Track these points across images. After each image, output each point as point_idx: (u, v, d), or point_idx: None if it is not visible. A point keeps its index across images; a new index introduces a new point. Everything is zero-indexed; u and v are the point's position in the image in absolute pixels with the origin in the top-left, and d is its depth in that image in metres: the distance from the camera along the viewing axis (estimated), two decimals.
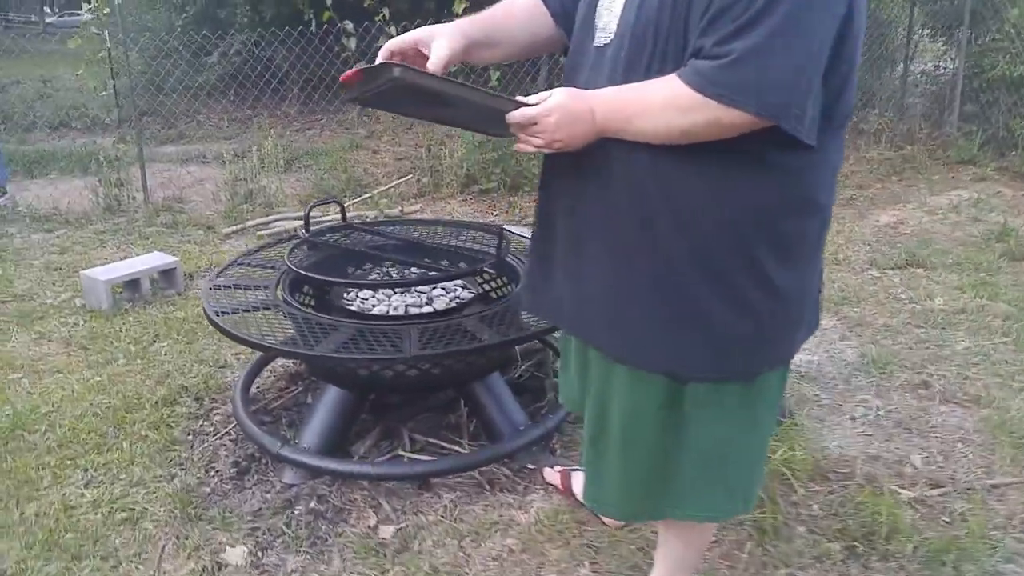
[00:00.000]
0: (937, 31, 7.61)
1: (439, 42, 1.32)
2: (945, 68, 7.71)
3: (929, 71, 7.93)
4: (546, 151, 1.28)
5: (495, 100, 1.24)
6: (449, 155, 5.49)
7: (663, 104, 1.17)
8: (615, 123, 1.22)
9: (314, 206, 2.52)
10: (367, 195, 5.18)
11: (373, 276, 2.49)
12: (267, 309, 2.16)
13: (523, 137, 1.25)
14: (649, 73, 1.20)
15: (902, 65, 7.49)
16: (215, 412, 2.61)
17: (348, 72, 1.22)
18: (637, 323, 1.30)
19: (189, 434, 2.48)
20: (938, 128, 6.88)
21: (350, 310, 2.30)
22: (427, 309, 2.29)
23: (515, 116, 1.22)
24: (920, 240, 4.40)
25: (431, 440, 2.33)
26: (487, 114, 1.26)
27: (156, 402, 2.65)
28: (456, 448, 2.28)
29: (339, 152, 6.32)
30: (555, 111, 1.20)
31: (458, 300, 2.36)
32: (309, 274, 2.21)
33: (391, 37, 1.39)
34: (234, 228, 4.66)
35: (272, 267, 2.50)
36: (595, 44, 1.31)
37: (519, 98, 1.24)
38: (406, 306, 2.28)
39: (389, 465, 2.19)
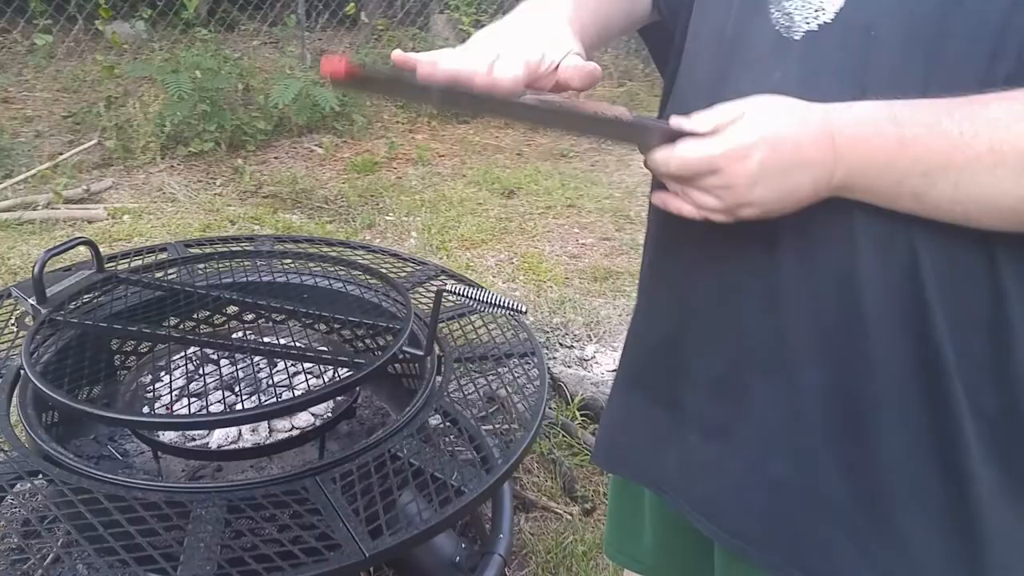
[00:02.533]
0: None
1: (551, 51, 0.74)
2: None
3: None
4: (718, 220, 0.70)
5: (619, 129, 0.69)
6: (140, 107, 4.13)
7: None
8: (891, 177, 0.65)
9: (52, 254, 1.40)
10: (27, 173, 3.67)
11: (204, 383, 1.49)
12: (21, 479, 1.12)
13: (676, 189, 0.70)
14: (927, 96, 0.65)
15: None
16: None
17: (335, 64, 0.66)
18: (871, 533, 0.76)
19: None
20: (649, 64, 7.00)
21: (157, 442, 1.32)
22: (305, 419, 1.40)
23: (670, 162, 0.67)
24: None
25: None
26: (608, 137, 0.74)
27: None
28: None
29: None
30: (757, 148, 0.65)
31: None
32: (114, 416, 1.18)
33: None
34: None
35: None
36: (778, 28, 0.73)
37: (673, 120, 0.67)
38: (259, 420, 1.36)
39: None
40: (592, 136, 0.72)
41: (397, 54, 0.71)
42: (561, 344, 2.53)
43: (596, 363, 2.60)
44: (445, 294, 1.29)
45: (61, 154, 3.93)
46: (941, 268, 0.68)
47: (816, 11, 0.71)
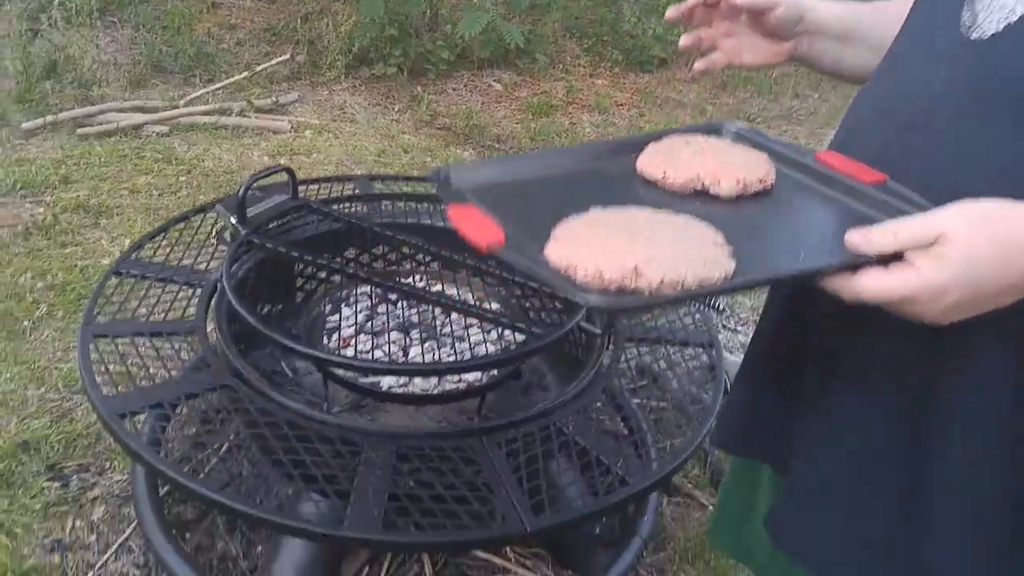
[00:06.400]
0: None
1: None
2: None
3: None
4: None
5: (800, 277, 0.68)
6: (332, 27, 4.25)
7: None
8: None
9: (256, 179, 1.47)
10: (226, 80, 3.88)
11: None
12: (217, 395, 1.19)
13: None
14: None
15: None
16: (93, 496, 1.60)
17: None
18: None
19: (52, 548, 1.49)
20: None
21: (333, 374, 1.36)
22: (472, 373, 1.40)
23: (850, 294, 0.64)
24: None
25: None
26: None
27: None
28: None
29: (166, 3, 4.76)
30: (953, 291, 0.61)
31: (505, 340, 1.48)
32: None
33: None
34: (40, 122, 3.27)
35: (186, 282, 1.48)
36: (962, 29, 0.71)
37: (849, 239, 0.65)
38: (439, 375, 1.37)
39: None
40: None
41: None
42: (724, 327, 2.43)
43: None
44: None
45: (258, 64, 4.13)
46: None
47: (1008, 13, 0.67)
